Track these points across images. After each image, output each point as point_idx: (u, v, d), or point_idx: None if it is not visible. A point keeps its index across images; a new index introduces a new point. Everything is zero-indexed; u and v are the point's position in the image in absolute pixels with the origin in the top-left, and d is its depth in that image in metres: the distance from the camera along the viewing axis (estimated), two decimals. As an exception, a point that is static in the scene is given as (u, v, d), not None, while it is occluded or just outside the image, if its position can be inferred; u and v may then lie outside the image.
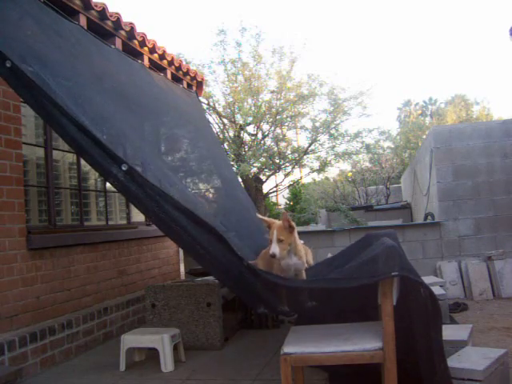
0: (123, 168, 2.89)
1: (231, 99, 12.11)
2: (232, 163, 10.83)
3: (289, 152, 12.48)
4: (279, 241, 3.00)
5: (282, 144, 12.58)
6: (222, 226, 3.64)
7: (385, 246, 2.60)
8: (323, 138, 12.40)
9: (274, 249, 2.98)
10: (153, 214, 3.02)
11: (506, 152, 7.05)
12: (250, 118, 11.94)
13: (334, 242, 7.12)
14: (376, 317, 2.90)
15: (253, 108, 11.91)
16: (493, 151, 7.08)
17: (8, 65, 2.81)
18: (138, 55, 5.86)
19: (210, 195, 4.80)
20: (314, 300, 3.12)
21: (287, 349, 2.54)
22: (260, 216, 3.41)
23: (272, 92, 12.10)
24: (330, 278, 2.77)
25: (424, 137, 15.49)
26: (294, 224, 3.12)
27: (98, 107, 3.42)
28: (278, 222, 3.10)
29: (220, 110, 12.62)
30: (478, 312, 5.62)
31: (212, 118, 12.02)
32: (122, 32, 5.54)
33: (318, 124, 12.30)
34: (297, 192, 19.54)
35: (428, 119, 33.02)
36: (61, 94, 2.95)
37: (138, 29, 5.79)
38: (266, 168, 12.34)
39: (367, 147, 12.64)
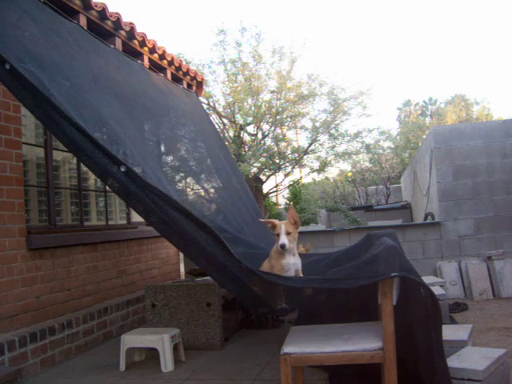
0: (122, 169, 2.88)
1: (231, 99, 12.13)
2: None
3: (289, 152, 12.51)
4: (287, 233, 3.16)
5: (282, 144, 12.61)
6: (221, 226, 3.63)
7: (385, 246, 2.60)
8: (323, 138, 12.43)
9: (283, 240, 3.13)
10: (152, 214, 3.01)
11: (505, 152, 7.05)
12: (250, 118, 11.96)
13: (334, 242, 7.12)
14: (376, 316, 2.90)
15: (253, 108, 11.93)
16: (493, 151, 7.08)
17: (7, 67, 2.79)
18: (137, 55, 5.86)
19: (209, 195, 4.79)
20: (314, 300, 3.12)
21: (287, 349, 2.54)
22: (262, 219, 3.45)
23: (272, 92, 12.11)
24: (331, 278, 2.77)
25: (424, 137, 15.50)
26: (299, 219, 3.27)
27: (96, 108, 3.41)
28: (283, 221, 3.23)
29: (220, 109, 12.64)
30: (478, 312, 5.62)
31: (212, 118, 12.03)
32: (122, 32, 5.54)
33: (318, 124, 12.32)
34: (297, 192, 19.58)
35: (428, 119, 33.03)
36: (59, 95, 2.94)
37: (138, 29, 5.79)
38: (266, 168, 12.36)
39: (367, 147, 12.67)
